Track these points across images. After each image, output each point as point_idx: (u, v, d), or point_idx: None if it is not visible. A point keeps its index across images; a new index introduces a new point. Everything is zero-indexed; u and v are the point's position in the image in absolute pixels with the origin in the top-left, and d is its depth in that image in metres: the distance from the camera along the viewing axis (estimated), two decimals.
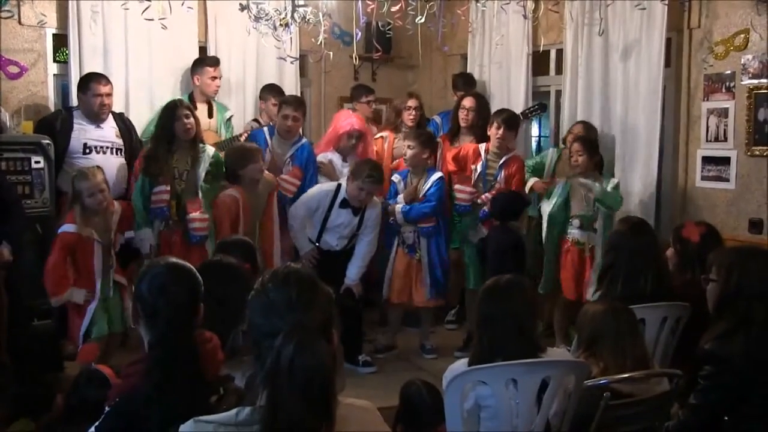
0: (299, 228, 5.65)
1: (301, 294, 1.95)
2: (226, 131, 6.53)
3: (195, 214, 5.30)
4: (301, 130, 6.26)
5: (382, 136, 6.64)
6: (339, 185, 5.62)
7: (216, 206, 5.35)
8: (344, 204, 5.54)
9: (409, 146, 5.90)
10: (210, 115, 6.45)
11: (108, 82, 5.91)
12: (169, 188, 5.31)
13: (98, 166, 5.08)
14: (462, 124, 6.54)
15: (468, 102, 6.51)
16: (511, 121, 6.08)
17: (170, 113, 5.38)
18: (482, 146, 6.17)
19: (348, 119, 6.20)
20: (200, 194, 5.39)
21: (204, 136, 5.83)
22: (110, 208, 5.03)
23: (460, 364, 3.14)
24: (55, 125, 5.77)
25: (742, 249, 3.63)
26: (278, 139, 6.02)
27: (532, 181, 6.13)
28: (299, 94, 7.32)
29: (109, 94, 5.89)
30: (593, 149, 5.72)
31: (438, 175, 5.91)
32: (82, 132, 5.81)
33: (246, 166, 5.37)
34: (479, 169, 6.12)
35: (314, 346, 1.82)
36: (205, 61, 6.52)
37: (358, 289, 5.69)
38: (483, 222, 6.03)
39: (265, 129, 6.11)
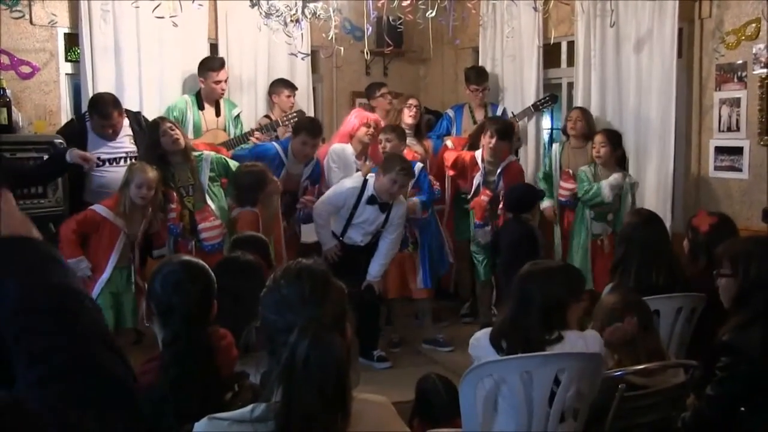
0: (324, 224, 5.66)
1: (314, 289, 1.96)
2: (235, 128, 6.52)
3: (205, 224, 5.34)
4: None
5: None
6: (365, 181, 5.58)
7: (235, 223, 5.39)
8: (371, 200, 5.52)
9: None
10: (218, 114, 6.43)
11: (114, 110, 5.57)
12: (176, 206, 5.34)
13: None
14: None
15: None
16: (504, 132, 6.07)
17: (154, 131, 5.38)
18: (477, 154, 6.19)
19: (363, 113, 6.28)
20: (209, 200, 5.43)
21: (213, 134, 5.84)
22: (150, 209, 5.10)
23: (483, 334, 3.23)
24: (72, 137, 5.63)
25: (757, 239, 3.61)
26: (292, 159, 5.95)
27: (544, 205, 6.23)
28: (311, 90, 7.34)
29: (118, 122, 5.62)
30: (617, 142, 5.74)
31: (419, 165, 5.96)
32: (95, 144, 5.61)
33: (264, 189, 5.39)
34: (479, 178, 6.15)
35: (329, 341, 1.82)
36: (207, 65, 6.40)
37: (380, 286, 5.68)
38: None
39: (277, 146, 5.98)
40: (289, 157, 5.92)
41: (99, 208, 4.87)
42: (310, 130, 5.87)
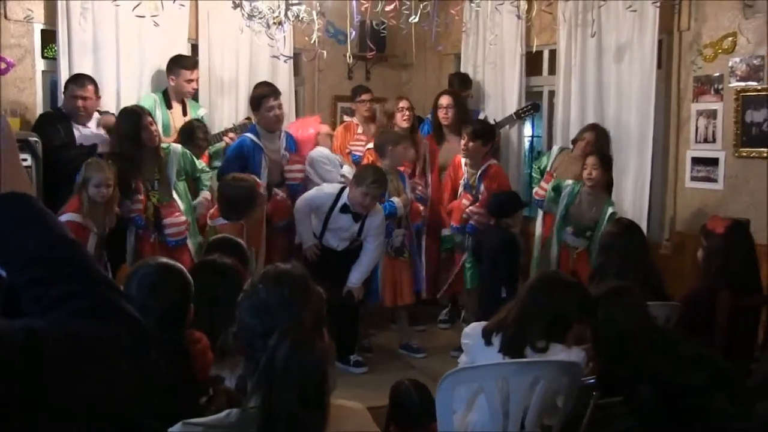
0: (303, 221, 5.63)
1: (295, 293, 1.95)
2: None
3: (170, 219, 5.33)
4: None
5: (370, 149, 6.35)
6: (342, 189, 5.57)
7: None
8: (345, 209, 5.48)
9: (404, 148, 5.99)
10: (185, 113, 6.34)
11: (89, 84, 5.75)
12: (142, 197, 5.30)
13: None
14: (443, 122, 6.58)
15: (445, 100, 6.56)
16: (479, 132, 6.05)
17: (135, 122, 5.32)
18: (462, 159, 6.22)
19: (312, 124, 6.48)
20: (176, 195, 5.43)
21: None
22: (112, 205, 5.06)
23: (478, 324, 3.27)
24: (47, 124, 5.70)
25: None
26: (265, 136, 6.02)
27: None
28: (293, 93, 7.32)
29: (91, 98, 5.73)
30: (608, 166, 5.68)
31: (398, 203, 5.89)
32: (69, 132, 5.68)
33: (254, 206, 5.33)
34: (464, 181, 6.18)
35: (309, 345, 1.82)
36: (180, 63, 6.29)
37: (359, 294, 5.62)
38: (470, 235, 6.07)
39: (248, 135, 6.00)
40: (262, 135, 5.99)
41: (70, 216, 4.79)
42: (269, 93, 6.03)
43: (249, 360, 1.92)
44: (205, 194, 5.73)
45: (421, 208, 6.20)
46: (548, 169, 6.26)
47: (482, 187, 6.05)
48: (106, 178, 4.91)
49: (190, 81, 6.28)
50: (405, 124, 6.41)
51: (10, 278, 1.18)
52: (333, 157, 6.33)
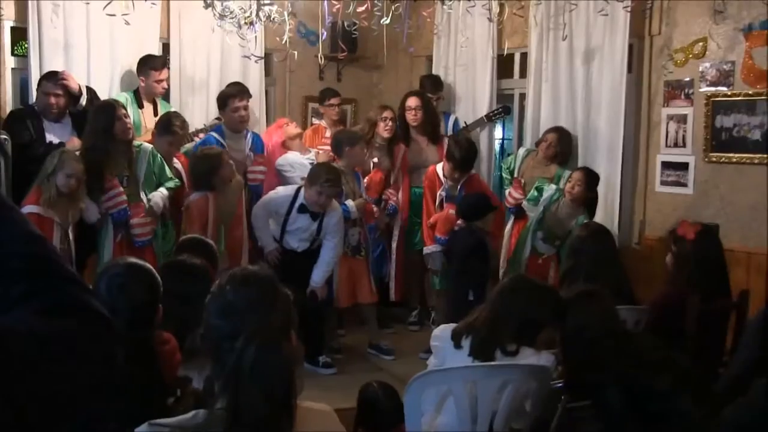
0: (262, 227, 5.64)
1: (262, 295, 1.94)
2: None
3: (137, 219, 5.30)
4: None
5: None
6: (298, 189, 5.58)
7: (188, 210, 5.38)
8: (302, 209, 5.50)
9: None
10: (155, 113, 6.28)
11: (64, 79, 5.68)
12: (122, 189, 5.27)
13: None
14: (412, 124, 6.60)
15: (413, 101, 6.58)
16: (466, 162, 6.05)
17: (109, 113, 5.28)
18: (439, 168, 6.21)
19: (273, 129, 6.55)
20: (142, 195, 5.38)
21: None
22: (77, 199, 5.01)
23: (447, 326, 3.28)
24: (18, 120, 5.64)
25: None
26: (230, 136, 6.07)
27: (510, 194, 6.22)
28: (264, 94, 7.30)
29: (61, 96, 5.67)
30: (593, 185, 5.70)
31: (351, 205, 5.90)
32: (40, 129, 5.63)
33: (218, 172, 5.39)
34: (442, 193, 6.18)
35: (277, 347, 1.81)
36: (148, 63, 6.25)
37: (323, 293, 5.63)
38: None
39: (213, 133, 6.05)
40: (227, 135, 6.04)
41: (31, 209, 4.71)
42: (235, 93, 6.10)
43: (216, 361, 1.90)
44: (163, 191, 5.54)
45: (375, 209, 6.17)
46: (515, 173, 6.29)
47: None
48: (78, 169, 4.89)
49: (159, 81, 6.23)
50: (386, 134, 6.41)
51: None
52: (296, 160, 6.26)
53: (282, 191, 5.70)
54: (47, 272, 1.15)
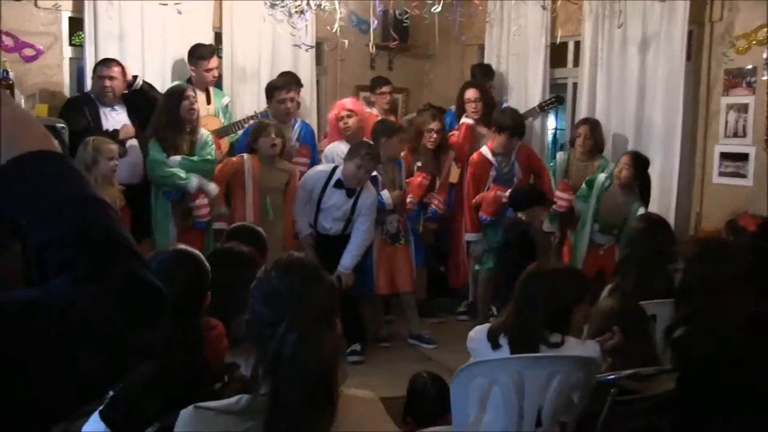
0: (300, 210, 5.69)
1: (304, 282, 1.94)
2: (224, 117, 6.49)
3: (198, 201, 5.46)
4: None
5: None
6: (335, 167, 5.63)
7: (220, 167, 5.65)
8: (338, 184, 5.53)
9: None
10: (208, 101, 6.36)
11: (116, 65, 5.84)
12: (207, 201, 5.50)
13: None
14: (473, 117, 6.54)
15: (472, 93, 6.50)
16: (520, 129, 6.04)
17: (177, 96, 5.48)
18: (485, 151, 6.13)
19: (338, 103, 6.34)
20: (196, 179, 5.49)
21: (206, 122, 5.85)
22: (116, 183, 5.21)
23: (482, 328, 3.27)
24: (74, 108, 5.77)
25: (707, 241, 3.54)
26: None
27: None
28: (315, 83, 7.31)
29: (117, 77, 5.82)
30: (643, 169, 5.58)
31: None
32: (104, 119, 5.80)
33: (257, 139, 5.61)
34: (493, 173, 6.11)
35: (317, 335, 1.80)
36: (197, 53, 6.29)
37: (350, 280, 5.61)
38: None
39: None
40: None
41: None
42: (282, 85, 6.13)
43: (259, 348, 1.91)
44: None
45: (408, 199, 6.07)
46: (558, 176, 6.21)
47: (517, 170, 6.08)
48: (113, 149, 5.10)
49: (209, 70, 6.28)
50: (429, 146, 6.30)
51: (31, 239, 1.14)
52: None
53: (319, 168, 5.77)
54: (100, 239, 1.13)
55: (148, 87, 6.04)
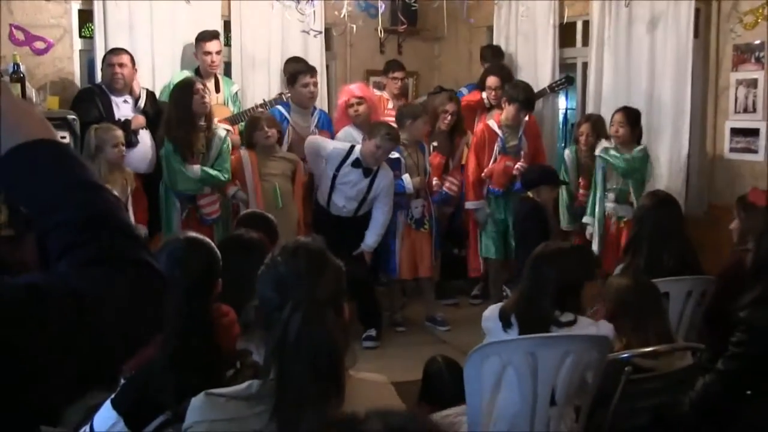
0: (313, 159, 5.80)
1: (310, 266, 1.95)
2: (233, 105, 6.49)
3: (206, 200, 5.48)
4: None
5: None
6: (352, 146, 5.66)
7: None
8: (356, 164, 5.56)
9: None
10: (217, 90, 6.34)
11: (124, 53, 5.86)
12: (216, 197, 5.53)
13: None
14: (492, 102, 6.52)
15: (493, 82, 6.46)
16: (530, 102, 6.05)
17: (187, 90, 5.42)
18: (492, 123, 6.13)
19: (346, 89, 6.33)
20: None
21: (217, 110, 5.85)
22: (125, 168, 5.27)
23: (495, 307, 3.30)
24: (86, 100, 5.80)
25: None
26: (297, 112, 6.13)
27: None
28: (325, 68, 7.30)
29: (128, 66, 5.82)
30: (635, 121, 5.62)
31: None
32: (116, 109, 5.82)
33: (252, 134, 5.67)
34: (499, 145, 6.09)
35: (321, 317, 1.82)
36: (199, 36, 6.28)
37: (369, 257, 5.70)
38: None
39: (279, 107, 6.13)
40: (294, 110, 6.11)
41: None
42: (305, 69, 6.14)
43: (268, 333, 1.92)
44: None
45: (434, 181, 6.12)
46: (571, 175, 6.15)
47: (524, 143, 6.09)
48: (119, 136, 5.13)
49: (207, 53, 6.18)
50: (444, 128, 6.29)
51: (36, 225, 1.16)
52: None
53: (338, 145, 5.76)
54: (100, 223, 1.15)
55: (153, 101, 6.03)
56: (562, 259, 3.15)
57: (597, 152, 5.75)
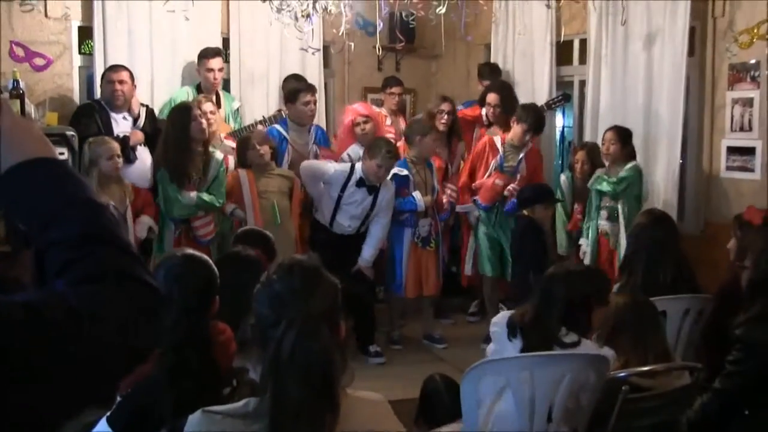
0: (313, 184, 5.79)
1: (305, 283, 1.95)
2: (234, 122, 6.52)
3: (198, 222, 5.47)
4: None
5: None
6: (353, 166, 5.67)
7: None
8: (360, 183, 5.58)
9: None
10: (218, 106, 6.35)
11: (124, 70, 5.88)
12: (210, 218, 5.50)
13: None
14: (491, 119, 6.52)
15: (492, 99, 6.46)
16: (539, 125, 6.05)
17: (185, 115, 5.40)
18: (497, 139, 6.15)
19: (350, 109, 6.37)
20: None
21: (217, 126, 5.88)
22: (123, 180, 5.25)
23: (506, 313, 3.30)
24: (85, 115, 5.82)
25: None
26: (295, 130, 6.17)
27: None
28: (323, 86, 7.33)
29: (127, 83, 5.84)
30: (626, 139, 5.65)
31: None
32: (114, 125, 5.83)
33: (245, 153, 5.69)
34: (495, 162, 6.10)
35: (316, 334, 1.82)
36: (201, 53, 6.35)
37: (371, 273, 5.72)
38: (511, 215, 6.00)
39: (276, 126, 6.15)
40: (292, 128, 6.14)
41: None
42: (305, 88, 6.19)
43: (263, 350, 1.92)
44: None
45: (445, 200, 6.13)
46: (568, 198, 6.17)
47: (523, 167, 6.08)
48: (114, 149, 5.14)
49: (210, 70, 6.26)
50: (441, 127, 6.33)
51: (34, 242, 1.17)
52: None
53: (338, 167, 5.77)
54: (98, 241, 1.15)
55: (150, 120, 6.03)
56: (572, 278, 3.15)
57: (589, 185, 5.79)
